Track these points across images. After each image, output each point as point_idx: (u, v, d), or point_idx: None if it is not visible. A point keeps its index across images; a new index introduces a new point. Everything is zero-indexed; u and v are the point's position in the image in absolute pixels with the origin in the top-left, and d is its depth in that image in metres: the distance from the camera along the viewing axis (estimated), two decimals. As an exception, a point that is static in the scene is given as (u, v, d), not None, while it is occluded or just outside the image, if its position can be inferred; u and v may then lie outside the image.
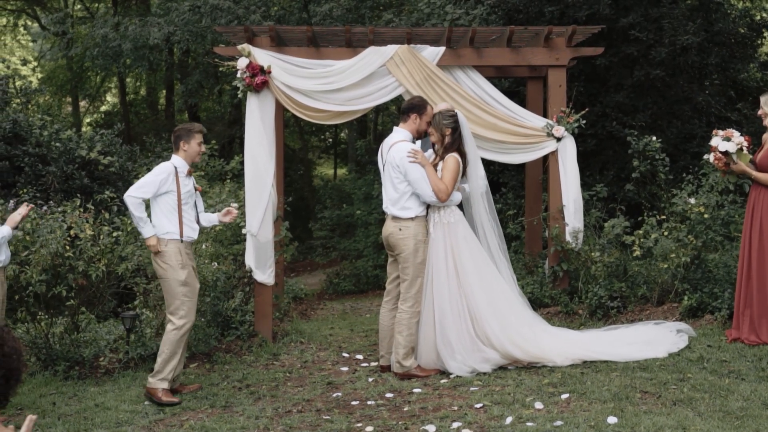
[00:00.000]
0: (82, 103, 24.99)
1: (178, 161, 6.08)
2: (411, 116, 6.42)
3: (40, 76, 24.88)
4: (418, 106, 6.46)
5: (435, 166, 6.35)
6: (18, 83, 16.73)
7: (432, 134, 6.44)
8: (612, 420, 4.78)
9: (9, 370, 2.52)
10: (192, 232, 6.07)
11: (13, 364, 2.52)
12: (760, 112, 6.52)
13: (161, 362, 5.88)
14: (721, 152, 6.52)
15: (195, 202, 6.21)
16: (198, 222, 6.21)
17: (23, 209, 5.87)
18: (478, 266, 6.28)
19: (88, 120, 25.03)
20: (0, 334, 2.65)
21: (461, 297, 6.21)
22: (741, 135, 6.57)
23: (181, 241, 5.96)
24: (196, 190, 6.24)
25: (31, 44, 25.68)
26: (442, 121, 6.36)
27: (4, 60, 22.41)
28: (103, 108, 26.19)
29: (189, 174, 6.12)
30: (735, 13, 13.33)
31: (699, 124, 12.22)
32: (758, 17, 14.00)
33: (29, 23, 24.53)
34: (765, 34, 13.60)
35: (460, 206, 6.47)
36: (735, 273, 6.90)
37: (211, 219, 6.36)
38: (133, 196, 5.86)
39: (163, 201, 5.95)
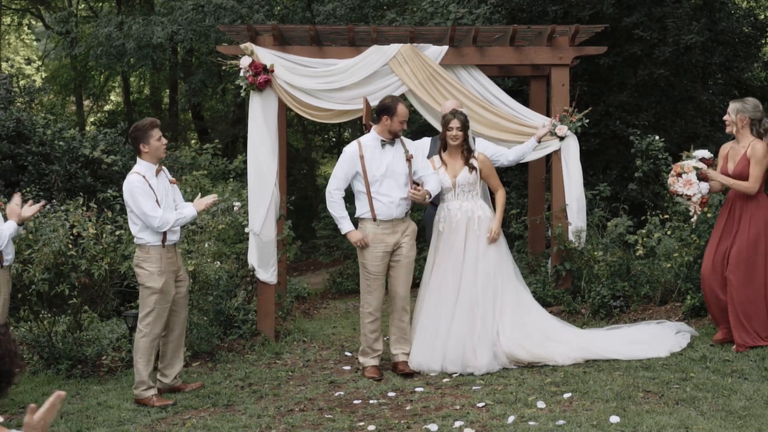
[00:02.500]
0: (86, 103, 25.02)
1: (142, 167, 5.80)
2: (381, 118, 6.33)
3: (43, 75, 24.93)
4: (388, 107, 6.30)
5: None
6: (22, 82, 16.80)
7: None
8: (614, 419, 4.77)
9: (0, 373, 2.51)
10: (172, 235, 5.90)
11: (5, 366, 2.51)
12: (726, 117, 6.43)
13: (138, 372, 5.79)
14: (690, 194, 6.33)
15: (173, 199, 5.99)
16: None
17: (35, 207, 5.80)
18: (500, 265, 6.33)
19: (91, 119, 25.06)
20: None
21: (472, 294, 6.22)
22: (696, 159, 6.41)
23: (163, 246, 5.84)
24: (171, 183, 6.04)
25: (35, 43, 25.73)
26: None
27: (8, 59, 22.48)
28: (107, 107, 26.21)
29: (158, 173, 5.88)
30: (739, 13, 13.29)
31: (702, 124, 12.18)
32: (762, 16, 13.98)
33: (33, 22, 24.58)
34: (769, 33, 13.57)
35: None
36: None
37: (184, 212, 5.93)
38: (157, 227, 5.71)
39: None
